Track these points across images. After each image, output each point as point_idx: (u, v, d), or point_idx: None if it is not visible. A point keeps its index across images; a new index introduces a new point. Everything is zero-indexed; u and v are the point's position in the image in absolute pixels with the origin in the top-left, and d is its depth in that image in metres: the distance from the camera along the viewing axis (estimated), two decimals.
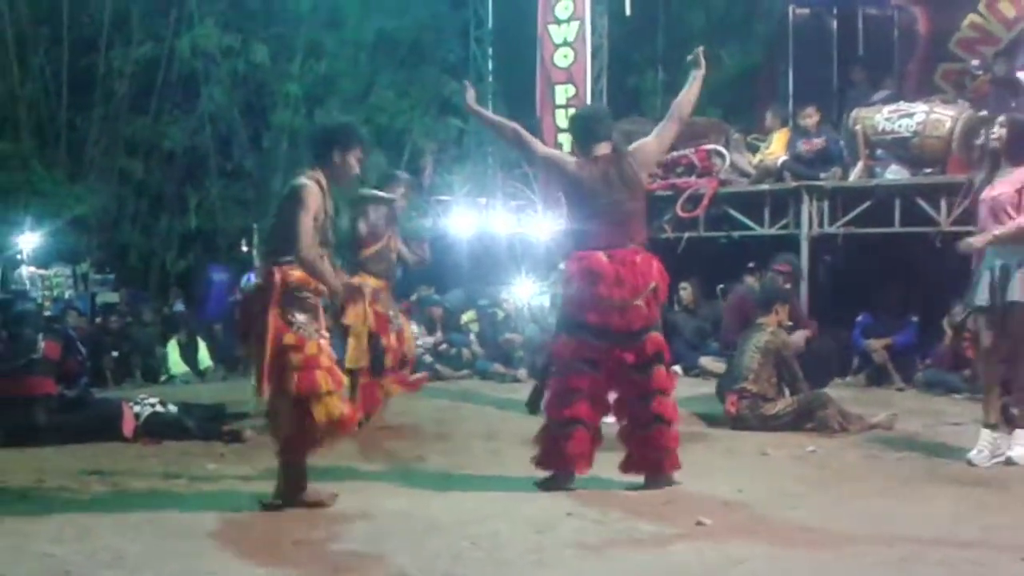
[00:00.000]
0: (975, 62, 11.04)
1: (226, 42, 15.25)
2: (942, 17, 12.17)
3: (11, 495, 5.64)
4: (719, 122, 11.98)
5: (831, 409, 7.28)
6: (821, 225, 10.52)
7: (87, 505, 5.35)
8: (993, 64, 10.73)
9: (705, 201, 10.90)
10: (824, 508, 5.07)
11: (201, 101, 15.89)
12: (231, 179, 16.29)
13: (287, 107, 14.96)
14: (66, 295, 14.67)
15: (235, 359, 11.61)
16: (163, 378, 11.63)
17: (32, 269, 14.88)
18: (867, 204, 10.24)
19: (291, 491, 5.15)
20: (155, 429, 7.28)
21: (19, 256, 14.94)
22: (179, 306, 14.33)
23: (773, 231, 10.80)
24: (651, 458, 5.41)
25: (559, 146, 13.49)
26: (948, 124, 9.81)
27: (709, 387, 8.39)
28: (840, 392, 8.52)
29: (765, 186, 10.96)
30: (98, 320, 12.70)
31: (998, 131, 6.15)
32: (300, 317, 5.06)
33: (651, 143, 5.65)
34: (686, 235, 11.07)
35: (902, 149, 10.18)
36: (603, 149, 5.50)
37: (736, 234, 11.12)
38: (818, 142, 10.82)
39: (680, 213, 11.00)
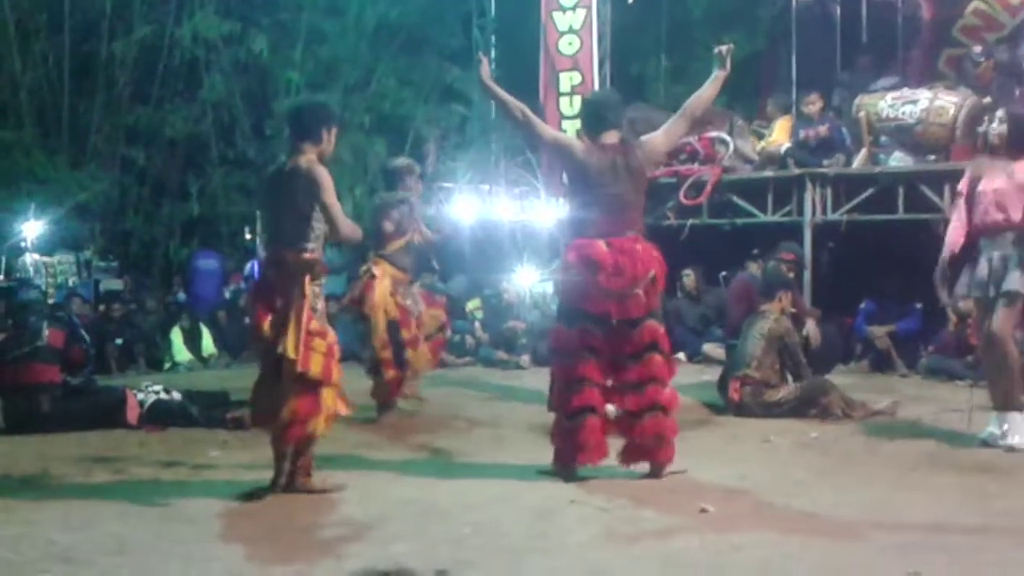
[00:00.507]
0: (977, 48, 11.00)
1: (227, 30, 15.23)
2: (946, 3, 12.12)
3: (16, 482, 5.65)
4: (723, 110, 11.94)
5: (834, 396, 7.29)
6: (824, 212, 10.52)
7: (91, 492, 5.36)
8: (996, 51, 10.69)
9: (708, 188, 10.89)
10: (827, 495, 5.07)
11: (203, 89, 15.89)
12: (233, 167, 16.30)
13: (288, 94, 14.93)
14: (70, 282, 14.72)
15: (239, 346, 11.63)
16: (167, 365, 11.65)
17: (36, 257, 14.93)
18: (870, 191, 10.23)
19: (301, 475, 5.21)
20: (159, 416, 7.29)
21: (23, 244, 14.98)
22: (182, 294, 14.36)
23: (776, 218, 10.79)
24: (647, 447, 5.39)
25: (563, 132, 13.50)
26: (952, 111, 9.80)
27: (712, 374, 8.39)
28: (843, 379, 8.53)
29: (768, 173, 10.95)
30: (102, 307, 12.72)
31: (998, 126, 6.13)
32: (319, 305, 5.16)
33: (660, 138, 5.63)
34: (689, 222, 11.07)
35: (906, 136, 10.16)
36: (612, 137, 5.48)
37: (739, 221, 11.11)
38: (821, 129, 10.80)
39: (683, 200, 11.00)
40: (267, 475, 5.32)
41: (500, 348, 11.34)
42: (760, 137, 11.53)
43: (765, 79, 13.27)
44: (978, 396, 6.45)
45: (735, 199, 11.04)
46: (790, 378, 7.60)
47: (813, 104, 10.94)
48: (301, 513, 4.86)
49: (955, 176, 9.14)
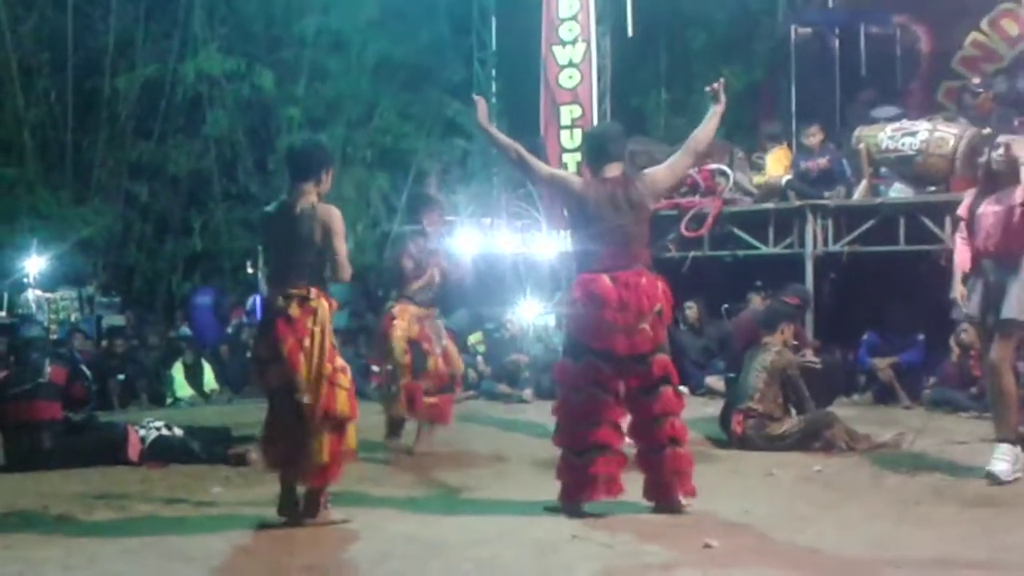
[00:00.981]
0: (975, 80, 11.06)
1: (230, 66, 15.34)
2: (944, 35, 12.22)
3: (17, 519, 5.63)
4: (723, 142, 11.97)
5: (837, 428, 7.26)
6: (826, 244, 10.52)
7: (92, 530, 5.34)
8: (994, 82, 10.74)
9: (709, 220, 10.91)
10: (831, 530, 5.05)
11: (205, 125, 15.97)
12: (235, 202, 16.36)
13: (291, 130, 15.01)
14: (72, 318, 14.68)
15: (241, 381, 11.62)
16: (168, 401, 11.63)
17: (38, 292, 14.91)
18: (871, 222, 10.24)
19: (314, 512, 5.27)
20: (161, 453, 7.27)
21: (25, 279, 14.98)
22: (185, 329, 14.35)
23: (777, 250, 10.79)
24: (666, 482, 5.37)
25: (563, 166, 13.57)
26: (952, 142, 9.82)
27: (715, 407, 8.36)
28: (846, 411, 8.49)
29: (769, 205, 10.97)
30: (104, 343, 12.71)
31: (1004, 152, 6.13)
32: (336, 342, 5.30)
33: (663, 172, 5.63)
34: (691, 254, 11.07)
35: (906, 167, 10.18)
36: (613, 170, 5.48)
37: (741, 253, 11.12)
38: (822, 161, 10.83)
39: (685, 232, 11.01)
40: (270, 511, 5.32)
41: (503, 381, 11.31)
42: (758, 169, 11.55)
43: (764, 111, 13.32)
44: (976, 427, 6.43)
45: (736, 231, 11.05)
46: (793, 411, 7.57)
47: (814, 136, 10.97)
48: (303, 551, 4.84)
49: (955, 207, 9.12)
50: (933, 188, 10.13)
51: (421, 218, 7.70)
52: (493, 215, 14.18)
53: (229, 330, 13.86)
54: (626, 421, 5.50)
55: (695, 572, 4.34)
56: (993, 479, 5.92)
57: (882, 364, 10.00)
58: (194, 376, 11.87)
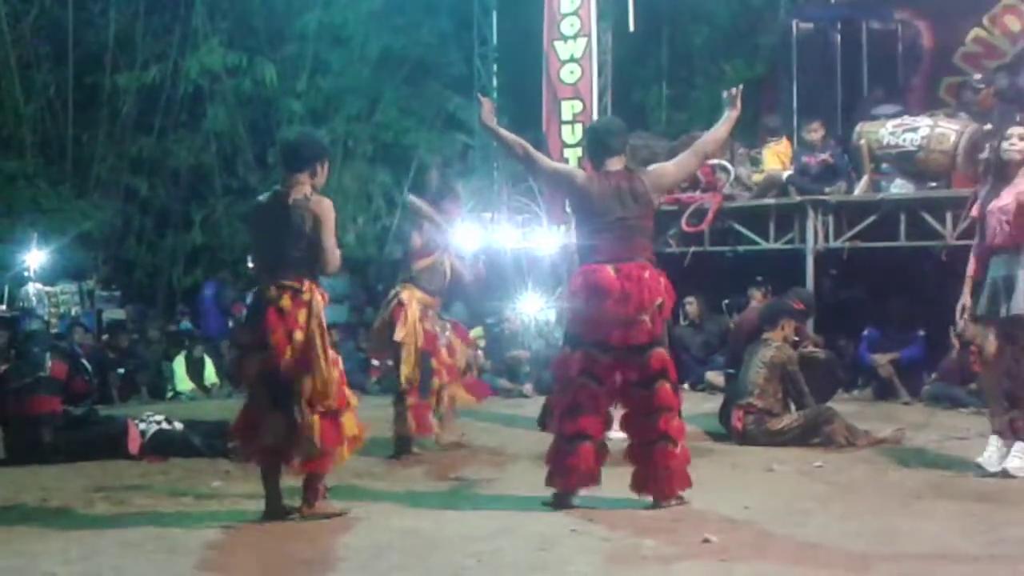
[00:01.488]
0: (977, 76, 11.04)
1: (231, 61, 15.34)
2: (946, 31, 12.19)
3: (17, 513, 5.64)
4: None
5: (837, 424, 7.26)
6: (826, 240, 10.51)
7: (92, 523, 5.35)
8: (995, 77, 10.73)
9: (710, 215, 10.89)
10: (831, 524, 5.05)
11: (206, 119, 15.97)
12: (236, 196, 16.36)
13: (292, 124, 15.01)
14: (72, 312, 14.70)
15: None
16: (169, 395, 11.64)
17: (38, 286, 14.93)
18: (872, 218, 10.24)
19: (312, 503, 5.25)
20: (161, 447, 7.28)
21: (26, 273, 14.99)
22: (186, 323, 14.35)
23: (778, 245, 10.79)
24: (657, 476, 5.36)
25: (565, 161, 13.54)
26: (953, 138, 9.82)
27: (715, 402, 8.37)
28: (847, 407, 8.50)
29: (770, 200, 10.95)
30: (104, 337, 12.72)
31: (1019, 143, 6.07)
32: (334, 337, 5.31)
33: (669, 169, 5.65)
34: (691, 249, 11.06)
35: (907, 163, 10.18)
36: (616, 164, 5.48)
37: (741, 248, 11.11)
38: (823, 156, 10.82)
39: (685, 227, 10.99)
40: None
41: (503, 376, 11.32)
42: (757, 164, 11.53)
43: (765, 106, 13.31)
44: (975, 423, 6.43)
45: (737, 226, 11.04)
46: (793, 407, 7.58)
47: (815, 132, 10.95)
48: (302, 545, 4.84)
49: (956, 203, 9.21)
50: (934, 184, 10.14)
51: (441, 208, 7.52)
52: (494, 210, 14.18)
53: (231, 324, 13.87)
54: (619, 414, 5.51)
55: (695, 567, 4.34)
56: (1006, 475, 5.92)
57: (882, 360, 10.01)
58: (195, 370, 11.88)
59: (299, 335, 5.12)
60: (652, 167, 5.69)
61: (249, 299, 14.37)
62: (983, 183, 6.53)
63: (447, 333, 7.49)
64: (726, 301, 11.34)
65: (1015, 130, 6.19)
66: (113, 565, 4.51)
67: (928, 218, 9.90)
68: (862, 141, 10.38)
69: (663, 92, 15.75)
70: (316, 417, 5.13)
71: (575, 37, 13.92)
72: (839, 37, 12.07)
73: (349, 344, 11.75)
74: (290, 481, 5.37)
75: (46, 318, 14.06)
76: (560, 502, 5.39)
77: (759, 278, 10.28)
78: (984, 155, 9.32)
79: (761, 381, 7.50)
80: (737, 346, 8.48)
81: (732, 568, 4.28)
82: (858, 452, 7.00)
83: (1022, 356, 6.01)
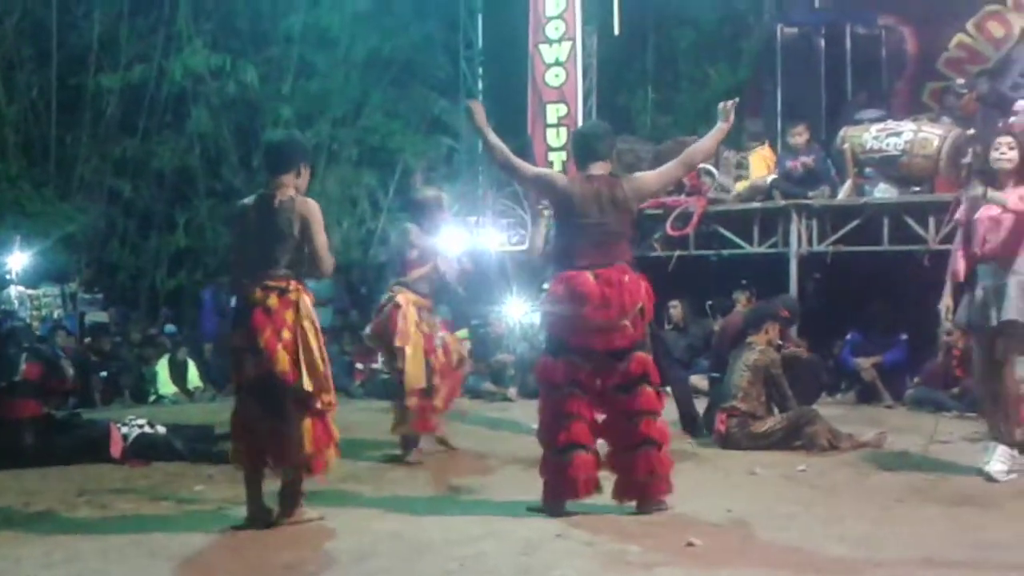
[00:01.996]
0: (959, 80, 11.10)
1: (215, 63, 15.29)
2: (930, 37, 12.25)
3: None
4: None
5: (820, 426, 7.27)
6: (810, 243, 10.54)
7: (74, 528, 5.32)
8: (977, 82, 10.78)
9: (695, 219, 10.90)
10: (814, 528, 5.06)
11: (190, 121, 15.91)
12: (220, 198, 16.30)
13: (277, 127, 14.97)
14: (55, 315, 14.63)
15: (225, 379, 11.56)
16: (152, 398, 11.58)
17: (21, 289, 14.85)
18: (856, 222, 10.27)
19: (291, 509, 5.21)
20: (143, 450, 7.24)
21: (8, 276, 14.91)
22: (170, 327, 14.28)
23: (762, 249, 10.81)
24: (640, 482, 5.33)
25: (550, 164, 13.59)
26: (936, 143, 9.86)
27: (699, 406, 8.35)
28: (830, 410, 8.51)
29: (755, 204, 10.98)
30: (87, 340, 12.65)
31: (1008, 152, 6.04)
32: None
33: (652, 177, 5.65)
34: (676, 253, 11.07)
35: (890, 167, 10.21)
36: (600, 168, 5.47)
37: (726, 252, 11.14)
38: (807, 160, 10.85)
39: (670, 231, 11.01)
40: None
41: (488, 380, 11.31)
42: (743, 168, 11.55)
43: (750, 111, 13.34)
44: (958, 426, 6.45)
45: (721, 230, 11.06)
46: (776, 410, 7.59)
47: (799, 135, 10.98)
48: (285, 550, 4.82)
49: (939, 207, 9.25)
50: (917, 188, 10.17)
51: (426, 218, 7.53)
52: (479, 213, 14.17)
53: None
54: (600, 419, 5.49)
55: (678, 571, 4.34)
56: (989, 479, 5.94)
57: (865, 364, 10.05)
58: (178, 373, 11.83)
59: (287, 334, 5.09)
60: (637, 175, 5.69)
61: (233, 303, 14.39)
62: (966, 187, 6.55)
63: (441, 333, 7.50)
64: (710, 302, 11.36)
65: (1003, 139, 6.18)
66: (95, 569, 4.49)
67: (911, 222, 9.94)
68: (846, 145, 10.41)
69: (648, 96, 15.77)
70: (308, 420, 5.11)
71: (560, 40, 13.95)
72: (823, 42, 12.11)
73: (334, 347, 11.71)
74: (274, 485, 5.34)
75: (28, 321, 13.99)
76: (553, 510, 5.33)
77: (744, 282, 10.31)
78: (967, 160, 9.40)
79: (744, 384, 7.52)
80: (722, 350, 8.50)
81: (716, 572, 4.29)
82: (841, 456, 7.01)
83: (1006, 362, 6.04)
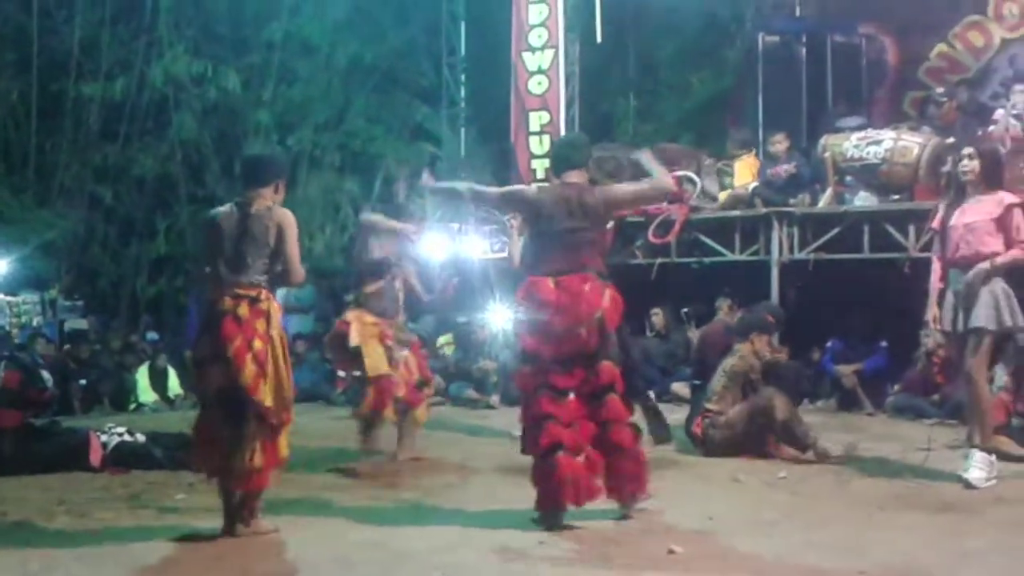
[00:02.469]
0: (939, 90, 11.17)
1: (197, 69, 15.24)
2: (911, 46, 12.34)
3: None
4: (691, 149, 12.07)
5: (778, 401, 7.20)
6: (791, 251, 10.58)
7: (53, 537, 5.27)
8: (957, 91, 10.85)
9: (676, 227, 10.92)
10: (795, 536, 5.06)
11: (172, 128, 15.85)
12: (202, 205, 16.20)
13: (258, 134, 14.93)
14: (34, 322, 14.55)
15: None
16: (132, 406, 11.51)
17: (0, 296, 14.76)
18: (836, 230, 10.32)
19: (249, 519, 5.17)
20: (123, 459, 7.19)
21: None
22: (152, 334, 14.22)
23: (744, 257, 10.85)
24: (613, 487, 5.34)
25: (532, 171, 13.62)
26: (916, 151, 9.91)
27: (681, 413, 8.37)
28: (811, 417, 8.52)
29: (736, 212, 11.02)
30: (66, 347, 12.58)
31: (969, 163, 6.15)
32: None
33: (626, 190, 5.68)
34: (658, 261, 11.10)
35: (870, 176, 10.27)
36: (575, 177, 5.50)
37: (707, 260, 11.17)
38: (788, 168, 10.90)
39: (652, 239, 11.03)
40: None
41: (471, 387, 11.31)
42: (728, 175, 11.59)
43: (732, 119, 13.40)
44: (941, 434, 6.47)
45: (703, 238, 11.09)
46: None
47: (780, 144, 11.04)
48: (264, 559, 4.80)
49: (919, 215, 9.31)
50: (897, 196, 10.23)
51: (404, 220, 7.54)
52: (462, 220, 14.16)
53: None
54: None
55: None
56: (968, 486, 5.97)
57: (846, 371, 10.09)
58: (158, 381, 11.77)
59: (259, 344, 5.04)
60: (612, 186, 5.75)
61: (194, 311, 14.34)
62: (945, 196, 6.62)
63: (404, 352, 7.42)
64: (685, 310, 11.39)
65: (965, 150, 6.29)
66: None
67: (891, 230, 9.99)
68: (826, 153, 10.46)
69: (630, 103, 15.79)
70: (262, 436, 5.06)
71: (543, 48, 13.98)
72: (804, 50, 12.18)
73: (315, 354, 11.69)
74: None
75: (7, 328, 13.90)
76: (551, 521, 5.25)
77: (726, 289, 10.33)
78: (946, 168, 9.46)
79: (719, 388, 7.55)
80: (704, 357, 8.50)
81: None
82: (822, 463, 7.02)
83: (976, 368, 6.08)
